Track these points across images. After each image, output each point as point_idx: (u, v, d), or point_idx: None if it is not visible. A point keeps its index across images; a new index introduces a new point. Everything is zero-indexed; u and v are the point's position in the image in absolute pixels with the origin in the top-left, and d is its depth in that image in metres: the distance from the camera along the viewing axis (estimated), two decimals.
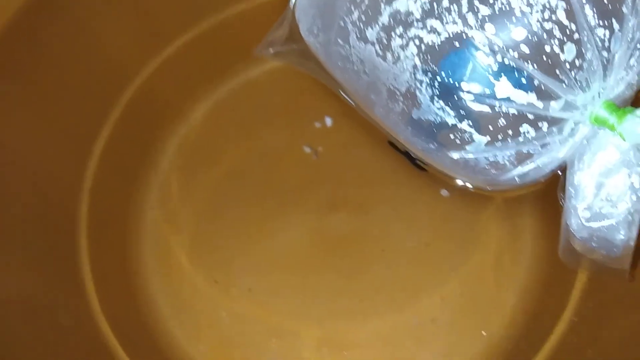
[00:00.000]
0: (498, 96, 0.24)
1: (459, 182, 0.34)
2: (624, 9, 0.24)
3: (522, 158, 0.26)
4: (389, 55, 0.26)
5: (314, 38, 0.30)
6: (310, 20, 0.30)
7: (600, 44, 0.24)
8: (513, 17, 0.23)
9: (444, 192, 0.42)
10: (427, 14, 0.24)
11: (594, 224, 0.26)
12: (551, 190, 0.29)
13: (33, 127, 0.39)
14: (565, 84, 0.24)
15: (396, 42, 0.25)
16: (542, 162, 0.26)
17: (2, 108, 0.37)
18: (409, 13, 0.25)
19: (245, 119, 0.45)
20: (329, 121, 0.44)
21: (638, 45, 0.24)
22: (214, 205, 0.43)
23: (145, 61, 0.42)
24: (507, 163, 0.26)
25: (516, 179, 0.27)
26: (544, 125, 0.25)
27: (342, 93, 0.32)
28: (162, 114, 0.45)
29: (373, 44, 0.26)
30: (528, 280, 0.40)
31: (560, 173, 0.27)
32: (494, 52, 0.23)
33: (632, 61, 0.25)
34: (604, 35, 0.24)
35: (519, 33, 0.23)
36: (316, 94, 0.44)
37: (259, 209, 0.43)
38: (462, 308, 0.40)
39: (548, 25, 0.23)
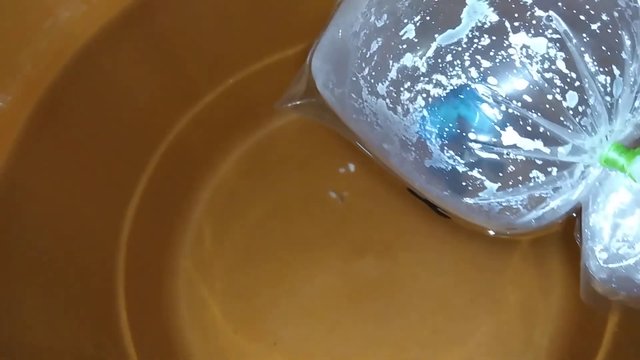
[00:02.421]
0: (505, 144, 0.25)
1: (482, 227, 0.34)
2: (624, 55, 0.24)
3: (535, 202, 0.26)
4: (399, 108, 0.27)
5: (329, 92, 0.31)
6: (325, 76, 0.32)
7: (602, 89, 0.24)
8: (514, 69, 0.24)
9: (469, 237, 0.42)
10: (432, 68, 0.25)
11: (612, 265, 0.26)
12: (573, 231, 0.29)
13: (73, 183, 0.41)
14: (571, 130, 0.24)
15: (405, 95, 0.26)
16: (555, 205, 0.27)
17: (43, 162, 0.39)
18: (415, 68, 0.26)
19: (272, 168, 0.47)
20: (352, 167, 0.45)
21: (639, 88, 0.25)
22: (245, 254, 0.44)
23: (177, 117, 0.44)
24: (520, 207, 0.26)
25: (532, 222, 0.28)
26: (554, 170, 0.25)
27: (358, 144, 0.33)
28: (194, 166, 0.47)
29: (384, 97, 0.27)
30: (560, 322, 0.39)
31: (575, 215, 0.27)
32: (497, 103, 0.24)
33: (637, 103, 0.25)
34: (605, 80, 0.24)
35: (520, 83, 0.24)
36: (339, 142, 0.45)
37: (289, 256, 0.44)
38: (495, 353, 0.39)
39: (548, 75, 0.24)
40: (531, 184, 0.25)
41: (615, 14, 0.25)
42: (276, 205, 0.45)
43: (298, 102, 0.35)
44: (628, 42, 0.24)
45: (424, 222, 0.42)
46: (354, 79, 0.29)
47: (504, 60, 0.24)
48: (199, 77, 0.44)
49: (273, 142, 0.47)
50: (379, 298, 0.42)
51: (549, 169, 0.25)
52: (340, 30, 0.30)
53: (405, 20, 0.26)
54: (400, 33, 0.27)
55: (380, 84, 0.27)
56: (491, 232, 0.29)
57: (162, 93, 0.44)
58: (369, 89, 0.28)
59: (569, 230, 0.29)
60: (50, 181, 0.39)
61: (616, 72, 0.24)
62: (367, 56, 0.28)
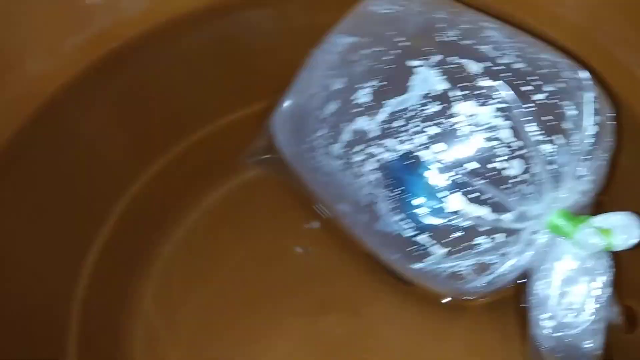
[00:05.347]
0: (451, 210, 0.25)
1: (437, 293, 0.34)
2: (569, 124, 0.25)
3: (482, 268, 0.26)
4: (351, 170, 0.27)
5: (287, 151, 0.32)
6: (285, 135, 0.32)
7: (547, 158, 0.25)
8: (461, 136, 0.24)
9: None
10: (384, 132, 0.26)
11: (559, 334, 0.26)
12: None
13: (28, 236, 0.39)
14: (516, 197, 0.25)
15: (357, 158, 0.27)
16: (503, 271, 0.27)
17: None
18: (366, 132, 0.26)
19: (238, 222, 0.46)
20: (316, 224, 0.45)
21: (584, 156, 0.26)
22: (209, 313, 0.43)
23: (140, 170, 0.44)
24: (468, 273, 0.27)
25: (481, 287, 0.27)
26: (501, 236, 0.25)
27: (318, 203, 0.33)
28: (157, 221, 0.46)
29: (337, 159, 0.28)
30: None
31: (526, 280, 0.27)
32: (444, 169, 0.25)
33: (582, 171, 0.26)
34: (550, 149, 0.25)
35: (466, 151, 0.24)
36: (305, 196, 0.45)
37: (254, 314, 0.42)
38: None
39: (494, 143, 0.24)
40: (478, 250, 0.26)
41: (561, 85, 0.25)
42: (241, 261, 0.45)
43: (260, 158, 0.36)
44: (574, 112, 0.25)
45: (389, 280, 0.42)
46: (310, 140, 0.29)
47: (451, 128, 0.25)
48: (167, 131, 0.44)
49: (237, 197, 0.47)
50: (343, 356, 0.41)
51: (496, 235, 0.25)
52: (299, 93, 0.31)
53: (360, 85, 0.27)
54: (355, 97, 0.27)
55: (334, 146, 0.28)
56: (445, 300, 0.29)
57: (127, 145, 0.44)
58: (324, 151, 0.28)
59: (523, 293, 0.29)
60: (3, 230, 0.38)
61: (561, 141, 0.25)
62: (323, 118, 0.28)
